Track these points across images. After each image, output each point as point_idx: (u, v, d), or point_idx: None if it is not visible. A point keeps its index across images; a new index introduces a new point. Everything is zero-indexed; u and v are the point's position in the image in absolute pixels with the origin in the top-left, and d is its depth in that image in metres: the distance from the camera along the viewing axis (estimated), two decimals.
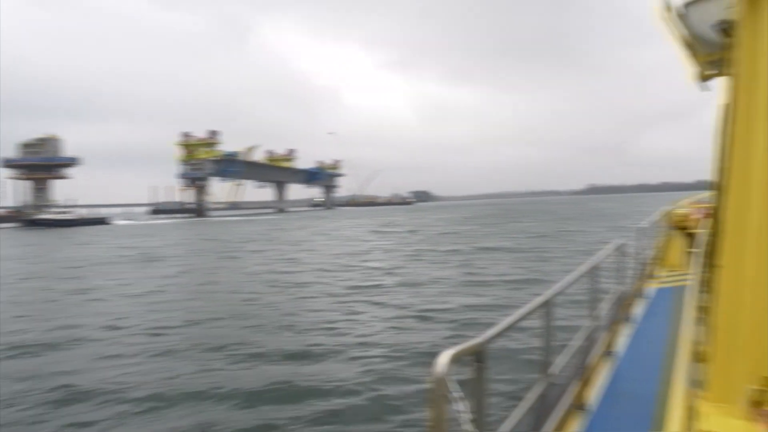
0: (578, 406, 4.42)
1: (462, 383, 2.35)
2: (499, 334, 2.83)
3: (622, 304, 6.93)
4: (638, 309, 7.30)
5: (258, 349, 11.75)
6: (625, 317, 6.87)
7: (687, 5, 3.75)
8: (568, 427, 4.16)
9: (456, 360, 2.33)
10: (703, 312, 2.67)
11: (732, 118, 2.48)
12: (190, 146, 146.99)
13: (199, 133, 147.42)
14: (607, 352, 5.63)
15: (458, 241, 39.12)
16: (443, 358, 2.28)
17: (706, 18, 3.55)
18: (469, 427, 2.32)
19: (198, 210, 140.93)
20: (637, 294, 7.95)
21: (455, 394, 2.27)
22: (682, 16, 3.85)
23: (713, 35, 3.26)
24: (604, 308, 5.63)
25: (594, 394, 4.70)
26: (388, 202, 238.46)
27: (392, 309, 15.81)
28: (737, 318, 2.34)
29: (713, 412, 2.36)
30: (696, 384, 2.58)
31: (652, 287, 8.37)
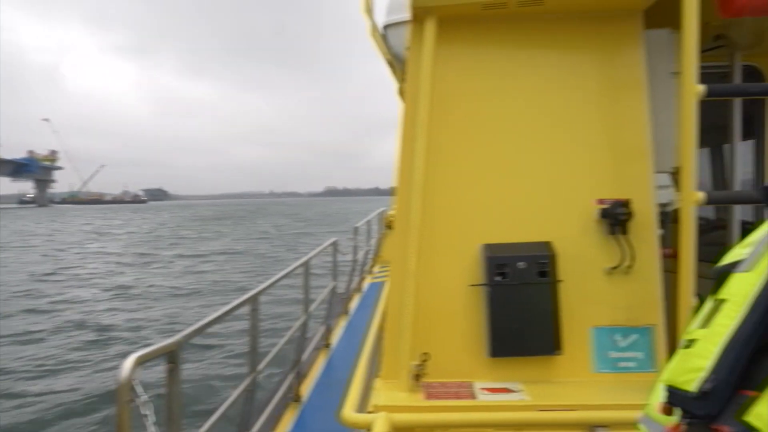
0: (294, 398, 4.61)
1: (153, 386, 2.26)
2: (196, 334, 2.80)
3: (342, 300, 7.47)
4: (355, 303, 7.95)
5: None
6: (345, 311, 7.42)
7: (386, 27, 4.20)
8: (282, 419, 4.30)
9: (143, 362, 2.25)
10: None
11: (401, 131, 2.85)
12: None
13: None
14: (326, 345, 6.00)
15: (182, 244, 37.29)
16: (128, 362, 2.20)
17: (401, 40, 4.02)
18: (154, 430, 2.26)
19: None
20: (357, 289, 8.64)
21: (142, 398, 2.21)
22: (384, 37, 4.30)
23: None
24: (321, 304, 5.98)
25: (310, 385, 4.96)
26: (118, 200, 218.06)
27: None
28: (402, 304, 2.68)
29: (383, 388, 2.67)
30: (376, 365, 2.91)
31: (369, 282, 9.19)
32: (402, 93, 4.21)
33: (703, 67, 2.34)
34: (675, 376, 1.07)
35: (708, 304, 1.12)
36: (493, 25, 2.82)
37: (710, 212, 4.25)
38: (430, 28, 2.76)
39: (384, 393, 2.63)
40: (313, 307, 5.30)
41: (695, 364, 1.04)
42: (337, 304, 6.93)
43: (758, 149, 3.63)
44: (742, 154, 3.57)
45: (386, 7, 4.28)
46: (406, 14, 2.97)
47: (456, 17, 2.80)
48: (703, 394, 0.98)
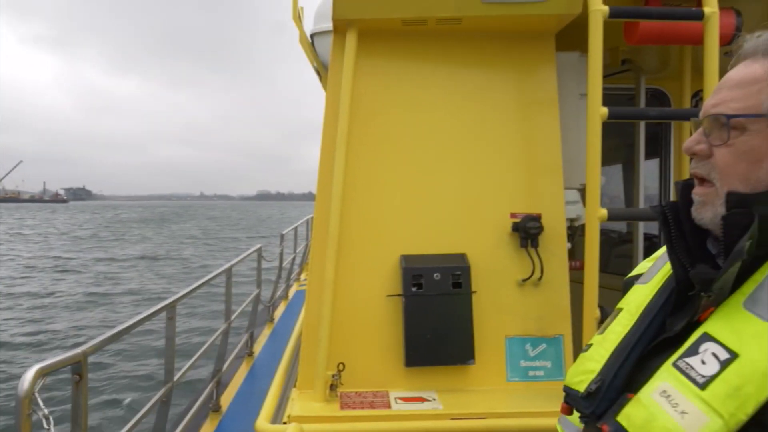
0: (214, 408, 4.50)
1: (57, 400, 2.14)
2: (105, 344, 2.68)
3: (268, 307, 7.36)
4: (281, 311, 7.85)
5: None
6: (270, 319, 7.31)
7: (313, 36, 4.21)
8: (201, 430, 4.19)
9: (47, 374, 2.14)
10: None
11: (322, 137, 2.86)
12: None
13: None
14: (250, 354, 5.89)
15: (101, 247, 35.53)
16: (29, 374, 2.08)
17: (328, 49, 4.03)
18: None
19: None
20: (284, 297, 8.54)
21: (43, 412, 2.09)
22: (312, 45, 4.30)
23: None
24: (245, 311, 5.87)
25: (231, 395, 4.85)
26: (37, 199, 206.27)
27: None
28: (320, 314, 2.68)
29: (299, 398, 2.65)
30: (293, 375, 2.88)
31: (296, 290, 9.10)
32: None
33: (612, 89, 2.47)
34: (571, 377, 1.14)
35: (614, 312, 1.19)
36: (413, 41, 2.88)
37: (623, 226, 4.50)
38: (351, 40, 2.78)
39: (299, 403, 2.61)
40: (235, 315, 5.19)
41: (587, 366, 1.10)
42: (262, 312, 6.82)
43: (662, 167, 3.87)
44: (650, 171, 3.80)
45: (314, 15, 4.29)
46: (331, 23, 2.98)
47: (377, 31, 2.83)
48: (588, 394, 1.05)
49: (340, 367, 2.66)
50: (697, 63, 3.27)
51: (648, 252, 3.63)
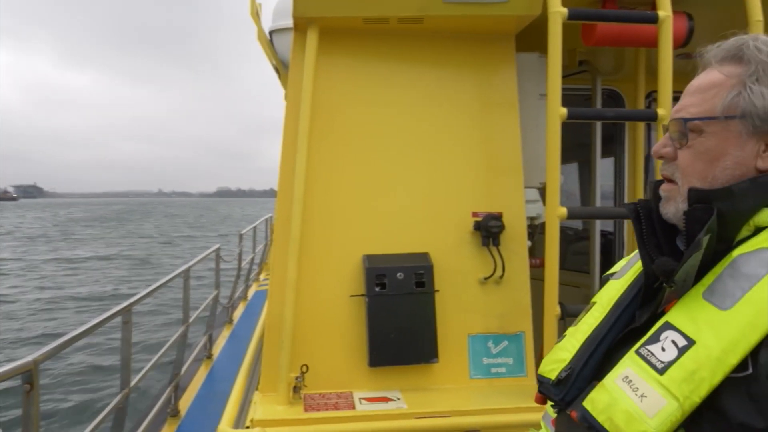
0: (172, 412, 4.40)
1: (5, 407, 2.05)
2: (57, 351, 2.59)
3: (227, 308, 7.24)
4: (240, 312, 7.74)
5: None
6: (229, 321, 7.20)
7: (272, 33, 4.15)
8: None
9: None
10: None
11: (282, 139, 2.82)
12: None
13: None
14: (209, 356, 5.79)
15: (51, 248, 34.10)
16: None
17: (287, 46, 3.97)
18: None
19: None
20: (243, 298, 8.42)
21: None
22: (271, 42, 4.24)
23: None
24: (203, 313, 5.77)
25: (190, 399, 4.76)
26: None
27: None
28: (282, 315, 2.65)
29: (262, 401, 2.62)
30: (256, 378, 2.84)
31: (255, 290, 8.99)
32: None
33: (570, 90, 2.51)
34: (544, 366, 1.19)
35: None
36: (374, 39, 2.87)
37: (579, 223, 4.60)
38: (312, 38, 2.75)
39: (262, 406, 2.58)
40: (193, 317, 5.09)
41: (559, 356, 1.16)
42: (220, 313, 6.71)
43: (617, 164, 3.96)
44: (605, 169, 3.89)
45: (273, 12, 4.22)
46: (290, 21, 2.94)
47: (338, 29, 2.81)
48: (558, 382, 1.11)
49: (304, 368, 2.63)
50: (650, 65, 3.36)
51: (604, 249, 3.73)
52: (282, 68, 4.20)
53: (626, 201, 3.84)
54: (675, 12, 2.52)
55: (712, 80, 1.04)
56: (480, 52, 2.91)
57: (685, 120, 1.04)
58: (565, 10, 2.44)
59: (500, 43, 2.91)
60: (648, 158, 3.72)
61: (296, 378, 2.62)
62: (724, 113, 1.00)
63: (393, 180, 2.86)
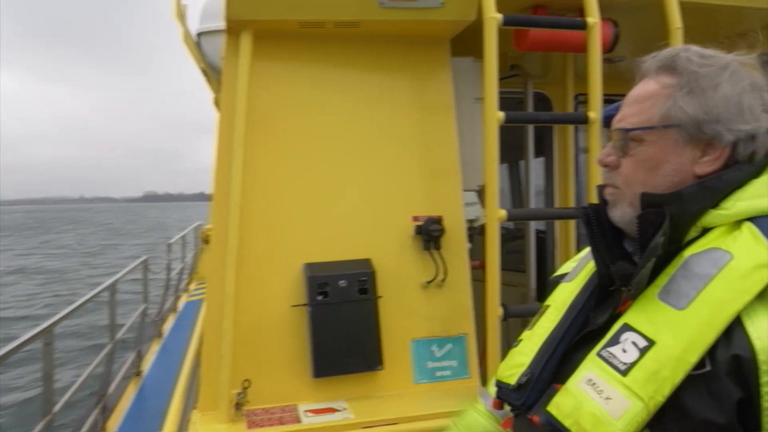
0: None
1: None
2: None
3: (155, 321, 6.94)
4: (170, 325, 7.44)
5: None
6: (158, 334, 6.90)
7: (200, 35, 4.00)
8: None
9: None
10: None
11: (217, 145, 2.72)
12: None
13: None
14: (137, 374, 5.53)
15: None
16: None
17: (216, 49, 3.84)
18: None
19: None
20: (172, 310, 8.10)
21: None
22: (198, 45, 4.09)
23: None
24: (131, 328, 5.52)
25: (118, 419, 4.52)
26: None
27: None
28: (221, 328, 2.55)
29: (201, 420, 2.51)
30: (193, 395, 2.72)
31: (185, 301, 8.67)
32: (218, 103, 4.04)
33: (502, 93, 2.55)
34: (502, 371, 1.20)
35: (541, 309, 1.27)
36: (311, 44, 2.81)
37: (511, 223, 4.71)
38: (246, 41, 2.66)
39: (202, 426, 2.47)
40: (120, 333, 4.84)
41: (517, 360, 1.17)
42: (149, 327, 6.43)
43: (548, 165, 4.08)
44: (534, 169, 4.00)
45: (200, 14, 4.06)
46: (220, 23, 2.84)
47: (273, 32, 2.74)
48: (519, 387, 1.12)
49: (246, 383, 2.54)
50: (577, 69, 3.48)
51: (539, 247, 3.82)
52: (211, 72, 4.05)
53: (557, 200, 3.97)
54: (602, 19, 2.61)
55: (649, 91, 1.08)
56: (416, 56, 2.91)
57: (626, 130, 1.08)
58: (500, 16, 2.47)
59: (436, 47, 2.92)
60: (577, 158, 3.86)
61: (238, 394, 2.52)
62: (661, 122, 1.05)
63: (332, 186, 2.81)
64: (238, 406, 2.52)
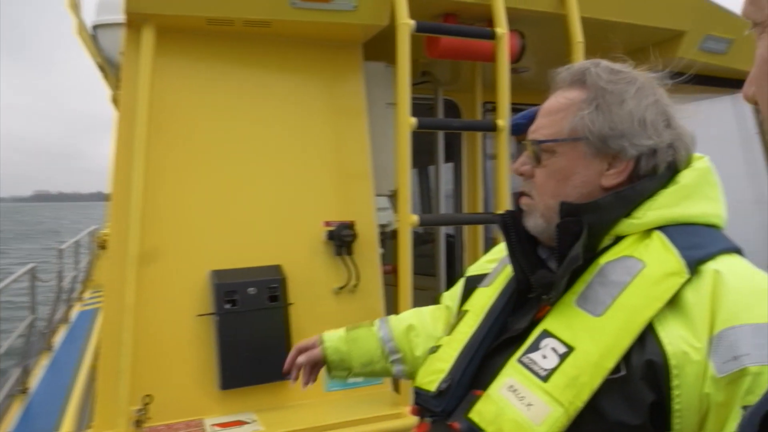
0: None
1: None
2: None
3: (44, 334, 6.40)
4: (61, 336, 6.88)
5: None
6: (48, 347, 6.36)
7: (96, 28, 3.73)
8: None
9: None
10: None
11: (116, 146, 2.54)
12: None
13: None
14: (23, 391, 5.06)
15: None
16: None
17: (115, 43, 3.60)
18: None
19: None
20: (64, 320, 7.50)
21: None
22: (94, 38, 3.82)
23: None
24: (16, 341, 5.07)
25: None
26: None
27: None
28: (119, 341, 2.38)
29: None
30: (87, 414, 2.53)
31: (78, 311, 8.07)
32: (116, 101, 3.78)
33: (414, 98, 2.57)
34: (421, 378, 1.18)
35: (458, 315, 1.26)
36: (219, 42, 2.70)
37: (420, 227, 4.78)
38: (147, 36, 2.51)
39: None
40: (3, 348, 4.42)
41: (436, 366, 1.15)
42: (37, 340, 5.93)
43: (456, 171, 4.18)
44: (443, 174, 4.08)
45: (96, 5, 3.79)
46: (119, 15, 2.66)
47: (178, 28, 2.60)
48: (439, 393, 1.10)
49: (147, 399, 2.39)
50: (485, 77, 3.58)
51: (448, 251, 3.90)
52: (108, 67, 3.79)
53: (465, 205, 4.07)
54: (510, 30, 2.69)
55: (560, 103, 1.11)
56: (328, 59, 2.88)
57: (539, 141, 1.11)
58: (412, 23, 2.49)
59: (348, 51, 2.90)
60: (485, 164, 3.98)
61: (138, 410, 2.36)
62: (570, 135, 1.08)
63: (241, 190, 2.71)
64: (138, 423, 2.36)
